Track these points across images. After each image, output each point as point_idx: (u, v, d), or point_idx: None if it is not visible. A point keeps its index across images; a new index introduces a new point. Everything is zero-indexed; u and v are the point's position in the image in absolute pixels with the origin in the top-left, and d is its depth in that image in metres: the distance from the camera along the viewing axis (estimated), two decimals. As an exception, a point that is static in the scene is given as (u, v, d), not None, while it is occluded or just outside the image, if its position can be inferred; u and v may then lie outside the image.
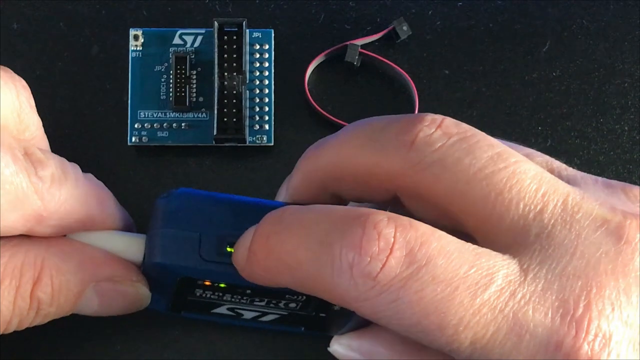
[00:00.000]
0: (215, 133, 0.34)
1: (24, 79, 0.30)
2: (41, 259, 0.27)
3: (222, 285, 0.27)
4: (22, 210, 0.26)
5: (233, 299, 0.28)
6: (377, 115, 0.35)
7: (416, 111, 0.35)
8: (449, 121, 0.24)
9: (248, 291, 0.27)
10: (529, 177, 0.23)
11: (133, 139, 0.34)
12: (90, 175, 0.29)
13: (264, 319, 0.30)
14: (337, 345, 0.29)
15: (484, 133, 0.24)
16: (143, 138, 0.34)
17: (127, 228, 0.30)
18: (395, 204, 0.26)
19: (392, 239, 0.22)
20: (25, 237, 0.27)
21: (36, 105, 0.33)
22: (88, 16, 0.36)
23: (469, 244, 0.23)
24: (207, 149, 0.35)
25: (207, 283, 0.27)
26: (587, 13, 0.36)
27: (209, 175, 0.35)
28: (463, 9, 0.36)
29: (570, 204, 0.23)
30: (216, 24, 0.34)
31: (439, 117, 0.24)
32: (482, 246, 0.23)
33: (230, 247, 0.26)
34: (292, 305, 0.28)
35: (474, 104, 0.35)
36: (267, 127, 0.34)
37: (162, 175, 0.35)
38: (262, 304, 0.28)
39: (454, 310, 0.22)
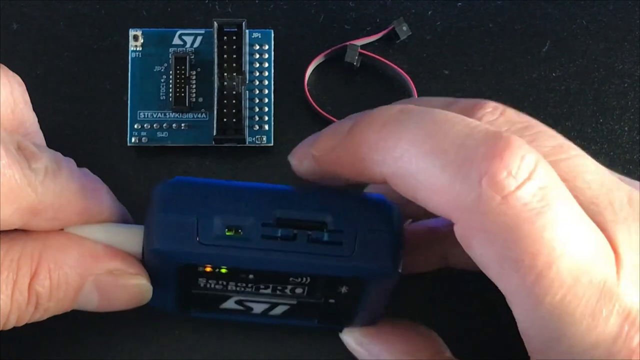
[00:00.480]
0: (215, 133, 0.34)
1: (23, 79, 0.30)
2: (39, 252, 0.27)
3: (224, 270, 0.27)
4: (16, 204, 0.26)
5: (238, 288, 0.28)
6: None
7: (416, 111, 0.35)
8: (511, 110, 0.24)
9: (250, 276, 0.27)
10: (590, 170, 0.23)
11: (133, 139, 0.34)
12: (85, 170, 0.29)
13: (275, 312, 0.29)
14: (348, 336, 0.29)
15: (543, 124, 0.24)
16: (143, 138, 0.34)
17: (124, 222, 0.29)
18: None
19: (534, 166, 0.22)
20: (22, 231, 0.27)
21: (36, 105, 0.33)
22: (88, 16, 0.36)
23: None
24: (206, 150, 0.35)
25: (208, 269, 0.27)
26: (587, 13, 0.36)
27: (208, 176, 0.35)
28: (463, 9, 0.36)
29: (635, 200, 0.23)
30: (216, 24, 0.34)
31: (500, 105, 0.24)
32: None
33: (228, 230, 0.26)
34: (299, 290, 0.28)
35: (474, 104, 0.35)
36: (266, 127, 0.34)
37: (162, 176, 0.35)
38: (268, 291, 0.28)
39: (563, 262, 0.21)
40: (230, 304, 0.29)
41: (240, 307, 0.29)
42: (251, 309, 0.29)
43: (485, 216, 0.22)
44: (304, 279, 0.27)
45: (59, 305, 0.27)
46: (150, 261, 0.28)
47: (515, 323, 0.24)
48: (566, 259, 0.22)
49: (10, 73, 0.29)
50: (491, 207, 0.21)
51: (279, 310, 0.29)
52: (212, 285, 0.28)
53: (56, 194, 0.26)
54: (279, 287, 0.28)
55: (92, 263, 0.27)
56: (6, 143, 0.26)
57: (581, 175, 0.23)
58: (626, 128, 0.36)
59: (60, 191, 0.27)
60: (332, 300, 0.28)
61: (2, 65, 0.29)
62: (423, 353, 0.30)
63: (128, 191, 0.34)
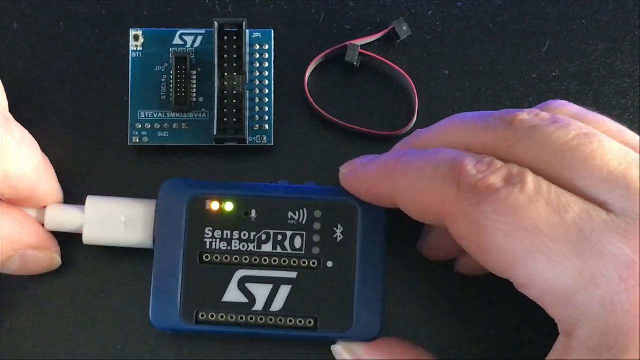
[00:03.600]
0: (215, 133, 0.33)
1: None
2: None
3: (229, 211, 0.32)
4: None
5: (242, 247, 0.31)
6: (377, 115, 0.35)
7: (416, 111, 0.35)
8: (546, 113, 0.27)
9: (253, 214, 0.32)
10: (612, 152, 0.26)
11: (133, 139, 0.34)
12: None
13: (277, 301, 0.31)
14: (342, 348, 0.30)
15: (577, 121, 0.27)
16: (143, 138, 0.34)
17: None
18: None
19: (498, 165, 0.26)
20: None
21: (36, 106, 0.33)
22: (88, 16, 0.36)
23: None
24: (207, 149, 0.35)
25: (215, 208, 0.32)
26: (587, 13, 0.36)
27: (209, 176, 0.35)
28: (463, 9, 0.36)
29: None
30: (216, 24, 0.34)
31: (539, 111, 0.28)
32: None
33: None
34: (297, 243, 0.31)
35: (474, 104, 0.35)
36: (267, 127, 0.34)
37: (162, 176, 0.35)
38: (269, 247, 0.31)
39: (534, 216, 0.25)
40: (233, 291, 0.31)
41: (244, 299, 0.31)
42: (254, 298, 0.31)
43: (463, 203, 0.26)
44: (302, 214, 0.31)
45: None
46: (163, 212, 0.32)
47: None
48: (536, 217, 0.25)
49: None
50: (465, 196, 0.26)
51: (281, 296, 0.31)
52: (218, 245, 0.31)
53: (25, 162, 0.30)
54: (279, 237, 0.31)
55: (27, 240, 0.31)
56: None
57: (600, 157, 0.25)
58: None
59: (27, 161, 0.30)
60: (330, 264, 0.31)
61: None
62: None
63: (128, 191, 0.34)
